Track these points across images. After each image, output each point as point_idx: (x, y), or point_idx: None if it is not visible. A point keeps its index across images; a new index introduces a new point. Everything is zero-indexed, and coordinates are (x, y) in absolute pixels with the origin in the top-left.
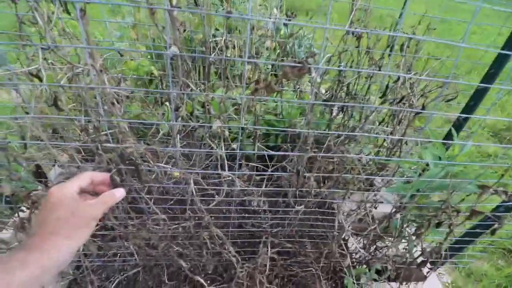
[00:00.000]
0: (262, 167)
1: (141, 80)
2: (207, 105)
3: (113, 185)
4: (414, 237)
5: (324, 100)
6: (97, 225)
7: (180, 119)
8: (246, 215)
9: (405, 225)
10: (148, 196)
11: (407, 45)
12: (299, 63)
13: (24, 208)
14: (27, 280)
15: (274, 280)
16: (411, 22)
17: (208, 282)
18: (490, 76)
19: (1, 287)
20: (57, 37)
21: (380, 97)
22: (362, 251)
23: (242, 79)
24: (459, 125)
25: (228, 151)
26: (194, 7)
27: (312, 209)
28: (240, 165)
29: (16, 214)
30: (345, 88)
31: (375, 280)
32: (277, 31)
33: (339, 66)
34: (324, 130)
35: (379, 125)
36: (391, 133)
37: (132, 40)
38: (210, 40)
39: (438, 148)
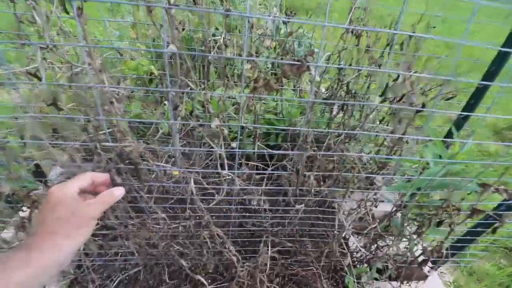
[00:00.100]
0: (262, 166)
1: (141, 79)
2: (206, 104)
3: (113, 184)
4: (415, 236)
5: (324, 99)
6: (97, 224)
7: (179, 118)
8: (247, 214)
9: (406, 224)
10: (148, 195)
11: (407, 44)
12: (297, 61)
13: (24, 208)
14: (27, 279)
15: (275, 279)
16: (411, 21)
17: (209, 281)
18: (490, 74)
19: (0, 287)
20: (56, 37)
21: (380, 96)
22: (362, 250)
23: (242, 78)
24: (459, 124)
25: (228, 150)
26: (193, 6)
27: (313, 208)
28: (240, 164)
29: (17, 214)
30: (345, 87)
31: (376, 279)
32: (277, 30)
33: (339, 65)
34: (324, 129)
35: (379, 123)
36: (392, 132)
37: (131, 40)
38: (210, 39)
39: (438, 147)
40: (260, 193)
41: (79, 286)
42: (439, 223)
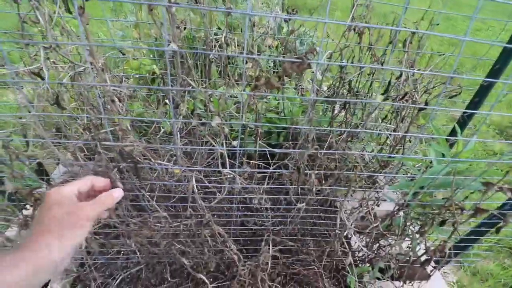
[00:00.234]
0: (264, 165)
1: (143, 79)
2: (208, 103)
3: (112, 185)
4: (417, 235)
5: (326, 97)
6: (99, 222)
7: (181, 117)
8: (248, 213)
9: (408, 223)
10: (150, 194)
11: (410, 41)
12: (298, 58)
13: (28, 206)
14: (19, 280)
15: (276, 278)
16: (414, 18)
17: (211, 279)
18: (495, 72)
19: None
20: (59, 36)
21: (382, 94)
22: (364, 249)
23: (243, 76)
24: (463, 122)
25: (229, 149)
26: (194, 4)
27: (314, 207)
28: (242, 163)
29: (20, 212)
30: (347, 85)
31: (378, 278)
32: (279, 29)
33: (340, 63)
34: (327, 127)
35: (381, 122)
36: (394, 130)
37: (134, 39)
38: (211, 38)
39: (441, 145)
40: (261, 191)
41: (81, 284)
42: (442, 223)
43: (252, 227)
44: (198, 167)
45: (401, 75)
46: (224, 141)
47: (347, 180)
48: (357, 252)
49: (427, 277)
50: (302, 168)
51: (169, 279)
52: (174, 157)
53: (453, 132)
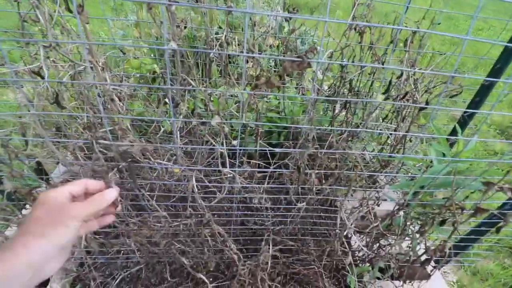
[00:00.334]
0: (264, 164)
1: (144, 78)
2: (207, 102)
3: (107, 187)
4: (417, 235)
5: (327, 97)
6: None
7: (181, 116)
8: (249, 212)
9: (408, 223)
10: (150, 193)
11: (411, 40)
12: (298, 57)
13: (27, 205)
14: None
15: (276, 278)
16: (415, 18)
17: (210, 279)
18: (496, 71)
19: None
20: (59, 36)
21: (383, 93)
22: (365, 249)
23: (243, 75)
24: (464, 122)
25: (229, 147)
26: (195, 3)
27: (315, 207)
28: (242, 162)
29: (19, 211)
30: (347, 85)
31: (378, 278)
32: (281, 28)
33: (341, 62)
34: (327, 127)
35: (382, 121)
36: (395, 130)
37: (135, 38)
38: (211, 37)
39: (442, 145)
40: (262, 191)
41: (81, 283)
42: (442, 222)
43: (252, 227)
44: (197, 167)
45: (402, 74)
46: (224, 141)
47: (347, 180)
48: (357, 252)
49: (427, 276)
50: (302, 168)
51: (169, 278)
52: (174, 157)
53: (453, 132)
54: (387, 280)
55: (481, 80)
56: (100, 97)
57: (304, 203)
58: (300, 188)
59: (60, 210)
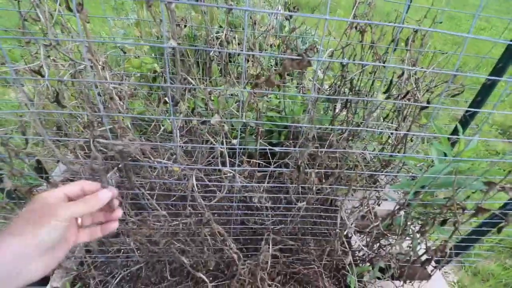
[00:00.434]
0: (264, 163)
1: (144, 77)
2: (207, 101)
3: (102, 187)
4: (418, 235)
5: (327, 95)
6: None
7: (181, 115)
8: (248, 212)
9: (409, 223)
10: (150, 192)
11: (412, 39)
12: (298, 55)
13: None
14: None
15: (276, 278)
16: (417, 17)
17: (210, 278)
18: (498, 71)
19: None
20: (60, 35)
21: (384, 92)
22: (365, 248)
23: (242, 74)
24: (465, 121)
25: (229, 146)
26: (194, 1)
27: (315, 206)
28: (242, 161)
29: (19, 209)
30: (348, 84)
31: (378, 278)
32: (281, 28)
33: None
34: (328, 126)
35: (383, 121)
36: (396, 129)
37: (136, 37)
38: (212, 36)
39: (443, 144)
40: (262, 190)
41: (81, 282)
42: (443, 222)
43: (252, 226)
44: (197, 166)
45: (403, 73)
46: (224, 140)
47: (348, 179)
48: (357, 252)
49: (427, 277)
50: (302, 167)
51: (169, 277)
52: (174, 156)
53: (455, 132)
54: (387, 280)
55: (483, 80)
56: (100, 96)
57: (304, 203)
58: (300, 188)
59: (46, 209)
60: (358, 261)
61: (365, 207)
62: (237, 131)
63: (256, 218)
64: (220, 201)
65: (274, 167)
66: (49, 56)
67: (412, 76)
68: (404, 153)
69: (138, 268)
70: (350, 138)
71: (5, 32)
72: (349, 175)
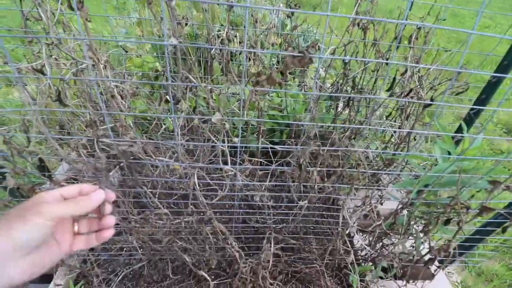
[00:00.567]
0: (266, 162)
1: (146, 76)
2: (208, 99)
3: (99, 187)
4: (421, 234)
5: (330, 93)
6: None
7: (182, 113)
8: (250, 210)
9: (412, 222)
10: (152, 191)
11: (416, 37)
12: (300, 52)
13: None
14: None
15: (278, 276)
16: (420, 14)
17: (212, 277)
18: (503, 68)
19: None
20: (62, 34)
21: (387, 90)
22: (367, 248)
23: (243, 72)
24: (470, 120)
25: (230, 144)
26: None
27: (317, 205)
28: (243, 160)
29: None
30: (351, 82)
31: (381, 277)
32: (283, 26)
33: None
34: (331, 124)
35: (386, 119)
36: (399, 128)
37: (137, 37)
38: (213, 34)
39: (447, 143)
40: (263, 189)
41: (84, 280)
42: (447, 222)
43: (254, 225)
44: (199, 164)
45: (406, 71)
46: (226, 138)
47: (350, 178)
48: (359, 251)
49: (430, 276)
50: (304, 166)
51: (171, 275)
52: (176, 154)
53: (459, 130)
54: (390, 279)
55: (488, 77)
56: (102, 94)
57: (306, 201)
58: (302, 186)
59: (34, 207)
60: (361, 260)
61: (368, 206)
62: (239, 129)
63: (258, 216)
64: (221, 199)
65: (276, 166)
66: (51, 55)
67: (416, 73)
68: (407, 151)
69: (141, 266)
70: (352, 137)
71: (8, 32)
72: (351, 173)
